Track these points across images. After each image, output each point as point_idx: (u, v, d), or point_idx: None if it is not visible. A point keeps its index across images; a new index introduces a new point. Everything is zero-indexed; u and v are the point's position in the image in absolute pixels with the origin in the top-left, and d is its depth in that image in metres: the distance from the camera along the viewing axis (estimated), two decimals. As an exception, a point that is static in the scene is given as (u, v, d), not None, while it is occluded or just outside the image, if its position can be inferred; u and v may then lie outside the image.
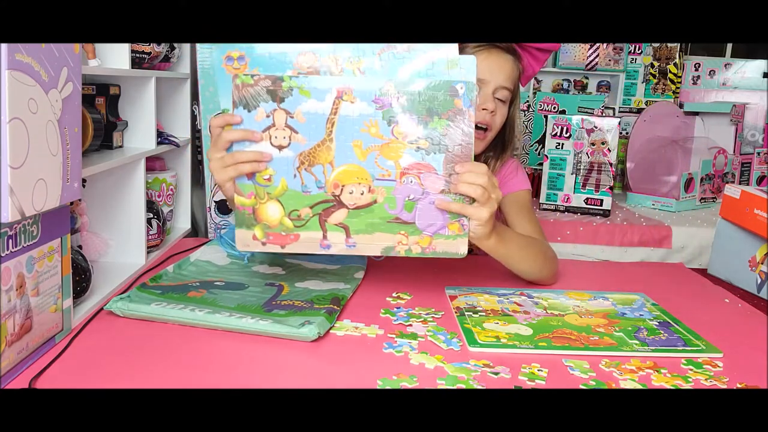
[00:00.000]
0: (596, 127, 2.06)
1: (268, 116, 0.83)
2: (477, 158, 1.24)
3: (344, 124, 0.83)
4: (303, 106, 0.83)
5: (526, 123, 2.43)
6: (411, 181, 0.85)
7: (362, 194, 0.85)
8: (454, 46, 0.86)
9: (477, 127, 1.11)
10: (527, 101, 2.51)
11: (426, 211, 0.86)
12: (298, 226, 0.86)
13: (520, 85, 1.24)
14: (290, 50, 0.85)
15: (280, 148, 0.84)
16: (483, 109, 1.16)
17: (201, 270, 1.03)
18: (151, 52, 1.15)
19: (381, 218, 0.85)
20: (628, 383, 0.72)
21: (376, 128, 0.84)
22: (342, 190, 0.85)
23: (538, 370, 0.74)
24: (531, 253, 1.09)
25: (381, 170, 0.84)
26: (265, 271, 1.06)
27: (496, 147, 1.25)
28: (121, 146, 1.10)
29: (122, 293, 0.93)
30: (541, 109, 2.45)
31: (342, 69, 0.85)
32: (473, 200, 0.86)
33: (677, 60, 2.84)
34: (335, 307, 0.88)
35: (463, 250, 0.88)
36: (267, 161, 0.84)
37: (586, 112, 2.37)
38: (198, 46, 1.24)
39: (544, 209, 2.11)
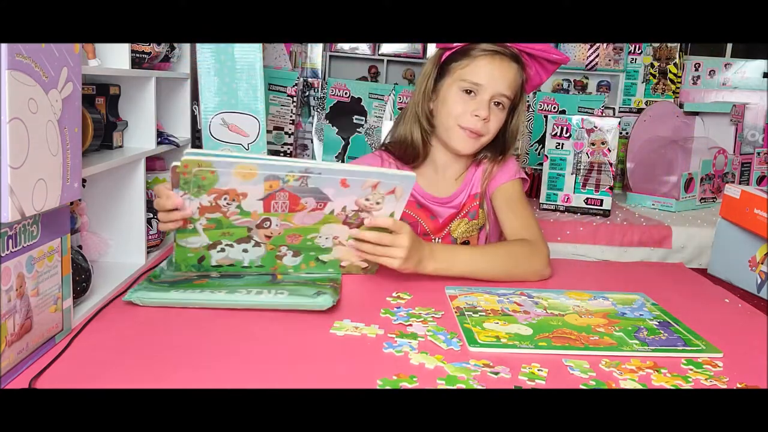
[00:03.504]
0: (596, 127, 2.06)
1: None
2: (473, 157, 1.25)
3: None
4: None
5: (526, 123, 2.43)
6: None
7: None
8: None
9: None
10: (527, 101, 2.51)
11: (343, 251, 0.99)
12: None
13: (525, 93, 1.24)
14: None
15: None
16: (475, 116, 1.16)
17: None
18: (151, 52, 1.15)
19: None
20: (628, 383, 0.72)
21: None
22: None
23: (538, 370, 0.74)
24: (497, 254, 1.10)
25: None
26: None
27: (494, 149, 1.25)
28: (121, 146, 1.10)
29: (123, 292, 0.93)
30: (541, 109, 2.45)
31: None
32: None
33: (677, 60, 2.84)
34: (336, 284, 0.95)
35: (364, 264, 1.03)
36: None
37: (586, 112, 2.37)
38: (198, 46, 1.24)
39: (544, 209, 2.11)
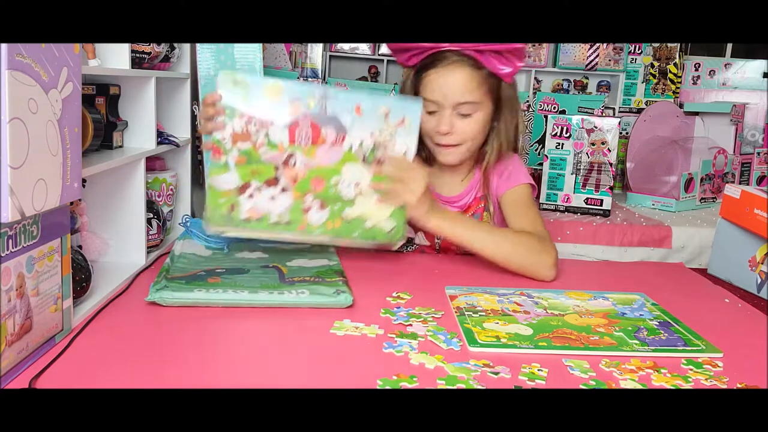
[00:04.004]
0: (596, 127, 2.06)
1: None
2: (458, 165, 1.25)
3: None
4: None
5: (526, 123, 2.43)
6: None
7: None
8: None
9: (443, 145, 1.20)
10: (527, 101, 2.51)
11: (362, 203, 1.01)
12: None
13: (506, 84, 1.20)
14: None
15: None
16: (437, 132, 1.17)
17: (193, 261, 1.04)
18: (151, 52, 1.15)
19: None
20: (628, 383, 0.72)
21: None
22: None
23: (538, 370, 0.74)
24: (503, 236, 1.11)
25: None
26: (251, 257, 1.09)
27: (492, 149, 1.24)
28: (121, 146, 1.10)
29: (122, 293, 0.93)
30: (541, 109, 2.45)
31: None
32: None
33: (677, 60, 2.84)
34: (344, 278, 0.98)
35: (389, 226, 1.03)
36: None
37: (586, 112, 2.37)
38: (198, 46, 1.24)
39: (544, 209, 2.11)
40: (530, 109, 2.49)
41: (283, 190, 0.97)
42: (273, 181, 0.96)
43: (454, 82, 1.15)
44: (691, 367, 0.78)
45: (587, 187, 2.09)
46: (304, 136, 0.95)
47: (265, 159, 0.95)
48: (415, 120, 1.00)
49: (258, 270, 1.01)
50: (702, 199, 2.34)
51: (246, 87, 0.93)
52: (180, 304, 0.88)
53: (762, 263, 1.19)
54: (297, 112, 0.94)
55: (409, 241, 1.30)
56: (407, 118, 1.00)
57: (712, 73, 2.97)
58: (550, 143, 2.10)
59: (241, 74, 0.93)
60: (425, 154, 1.24)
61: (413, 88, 1.21)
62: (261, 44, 1.27)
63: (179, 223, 1.25)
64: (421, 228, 1.06)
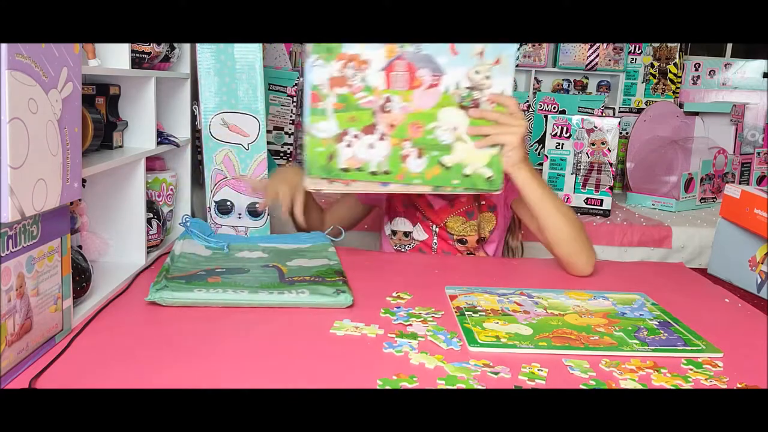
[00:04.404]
0: (596, 127, 2.06)
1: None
2: None
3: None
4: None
5: (526, 123, 2.43)
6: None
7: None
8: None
9: None
10: (527, 101, 2.51)
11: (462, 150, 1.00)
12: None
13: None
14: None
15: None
16: None
17: (193, 261, 1.05)
18: (151, 52, 1.15)
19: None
20: (628, 383, 0.72)
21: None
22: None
23: (538, 370, 0.74)
24: (568, 212, 1.11)
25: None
26: (251, 256, 1.10)
27: None
28: (121, 146, 1.10)
29: (122, 293, 0.93)
30: (541, 109, 2.45)
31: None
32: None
33: (677, 60, 2.84)
34: (344, 278, 0.98)
35: (488, 173, 1.01)
36: None
37: (586, 112, 2.37)
38: (198, 46, 1.24)
39: (544, 209, 2.11)
40: (530, 109, 2.49)
41: (381, 138, 0.96)
42: (370, 129, 0.96)
43: None
44: (691, 367, 0.78)
45: (587, 187, 2.09)
46: (400, 79, 0.95)
47: (362, 104, 0.95)
48: (511, 59, 0.98)
49: (258, 270, 1.01)
50: (702, 199, 2.33)
51: None
52: (180, 304, 0.88)
53: (762, 263, 1.19)
54: (392, 53, 0.94)
55: (406, 235, 1.31)
56: (503, 57, 0.97)
57: (712, 73, 2.97)
58: (550, 143, 2.10)
59: None
60: None
61: None
62: (261, 44, 1.27)
63: (179, 223, 1.25)
64: (511, 175, 1.03)
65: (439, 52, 0.96)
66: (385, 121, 0.96)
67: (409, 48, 0.94)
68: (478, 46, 0.96)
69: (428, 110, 0.97)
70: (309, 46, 0.93)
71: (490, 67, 0.98)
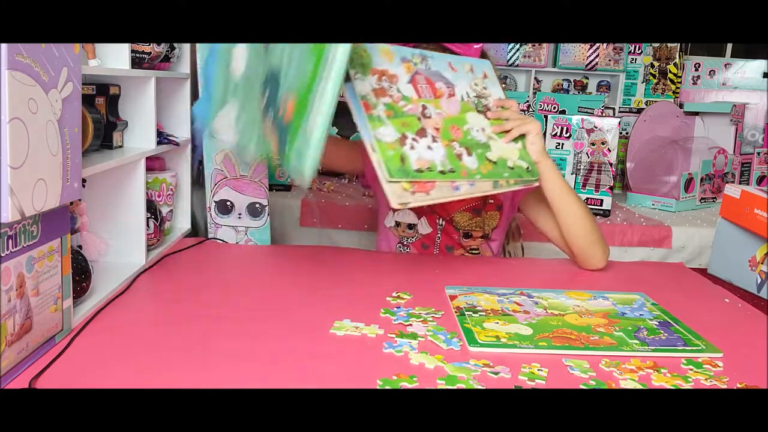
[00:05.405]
0: (596, 127, 2.06)
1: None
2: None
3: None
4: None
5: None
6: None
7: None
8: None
9: None
10: (527, 101, 2.51)
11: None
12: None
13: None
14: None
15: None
16: None
17: None
18: (151, 52, 1.15)
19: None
20: (628, 383, 0.72)
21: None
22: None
23: (538, 370, 0.74)
24: (585, 205, 1.16)
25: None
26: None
27: None
28: (121, 146, 1.10)
29: (122, 293, 0.93)
30: (541, 109, 2.45)
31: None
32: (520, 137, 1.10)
33: (677, 60, 2.84)
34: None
35: (525, 164, 1.08)
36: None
37: (586, 112, 2.37)
38: (198, 46, 1.24)
39: (544, 209, 2.11)
40: (530, 109, 2.49)
41: (434, 140, 0.99)
42: (422, 132, 0.98)
43: None
44: (691, 367, 0.78)
45: (587, 187, 2.09)
46: (426, 90, 1.01)
47: (407, 111, 0.98)
48: (492, 73, 1.13)
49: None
50: (702, 199, 2.34)
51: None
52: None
53: (762, 263, 1.19)
54: (410, 70, 1.01)
55: (410, 227, 1.31)
56: (486, 71, 1.11)
57: (712, 73, 2.97)
58: (550, 143, 2.10)
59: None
60: None
61: None
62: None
63: None
64: (539, 164, 1.10)
65: (443, 68, 1.05)
66: (430, 125, 0.99)
67: (421, 65, 1.02)
68: (466, 64, 1.09)
69: (457, 115, 1.04)
70: (344, 60, 0.87)
71: (482, 79, 1.11)
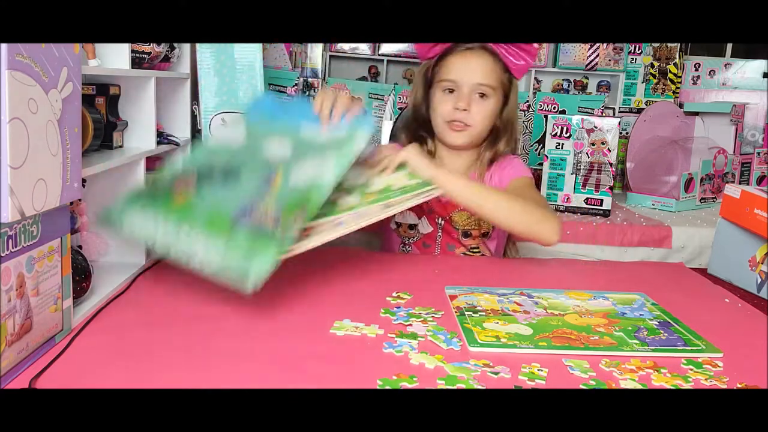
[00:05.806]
0: (596, 127, 2.06)
1: None
2: (463, 149, 1.29)
3: None
4: None
5: (526, 123, 2.43)
6: None
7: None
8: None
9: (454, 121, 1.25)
10: (527, 101, 2.51)
11: None
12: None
13: (515, 80, 1.30)
14: None
15: None
16: (456, 108, 1.24)
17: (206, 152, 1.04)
18: (151, 52, 1.15)
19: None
20: (628, 383, 0.72)
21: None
22: None
23: (538, 370, 0.74)
24: (504, 195, 1.14)
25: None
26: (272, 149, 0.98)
27: (494, 141, 1.29)
28: (121, 146, 1.10)
29: (122, 293, 0.93)
30: (541, 109, 2.45)
31: None
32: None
33: (677, 60, 2.84)
34: (304, 212, 0.84)
35: (414, 180, 1.06)
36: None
37: (586, 112, 2.37)
38: (198, 46, 1.24)
39: (544, 209, 2.11)
40: (530, 109, 2.49)
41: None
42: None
43: (476, 64, 1.24)
44: (691, 367, 0.78)
45: (587, 187, 2.09)
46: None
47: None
48: (361, 141, 0.96)
49: (253, 174, 0.91)
50: (702, 199, 2.34)
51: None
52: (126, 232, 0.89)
53: (762, 263, 1.19)
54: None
55: (411, 227, 1.32)
56: (358, 142, 0.95)
57: (712, 73, 2.97)
58: (550, 143, 2.10)
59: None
60: (431, 146, 1.32)
61: (430, 76, 1.29)
62: (261, 44, 1.27)
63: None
64: (432, 177, 1.06)
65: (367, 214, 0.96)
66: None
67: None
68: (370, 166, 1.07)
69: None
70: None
71: (373, 169, 1.07)
